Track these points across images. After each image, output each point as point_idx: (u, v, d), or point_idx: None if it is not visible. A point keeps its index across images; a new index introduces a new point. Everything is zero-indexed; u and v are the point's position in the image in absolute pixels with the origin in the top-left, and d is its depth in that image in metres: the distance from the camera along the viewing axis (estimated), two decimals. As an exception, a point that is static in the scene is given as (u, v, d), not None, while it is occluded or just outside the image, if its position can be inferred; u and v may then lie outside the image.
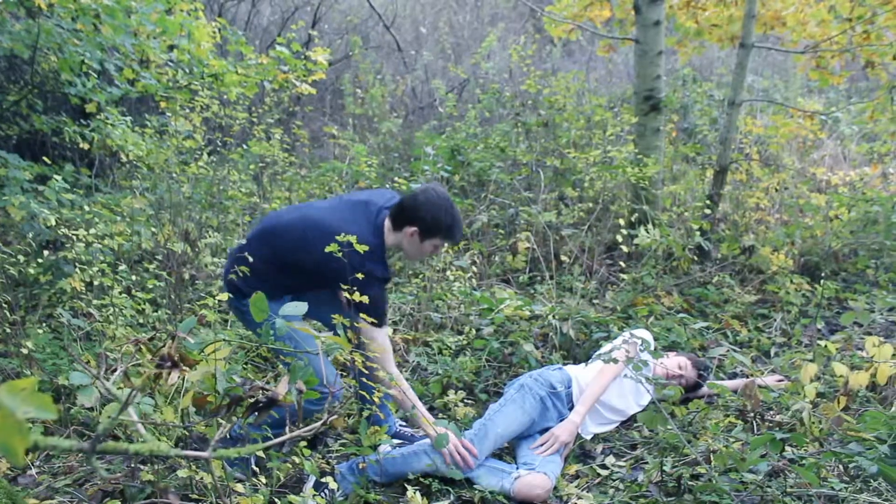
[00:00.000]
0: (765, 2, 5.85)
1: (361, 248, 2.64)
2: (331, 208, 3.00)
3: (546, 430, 3.20)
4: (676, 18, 6.25)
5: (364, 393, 2.86)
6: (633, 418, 3.46)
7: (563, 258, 5.04)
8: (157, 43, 4.19)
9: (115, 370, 1.55)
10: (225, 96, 5.19)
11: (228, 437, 2.77)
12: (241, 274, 2.80)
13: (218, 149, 6.13)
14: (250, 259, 2.79)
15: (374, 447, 2.80)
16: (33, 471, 2.94)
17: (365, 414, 2.91)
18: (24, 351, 3.26)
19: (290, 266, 2.88)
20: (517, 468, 2.99)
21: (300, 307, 2.01)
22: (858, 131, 7.61)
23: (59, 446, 0.83)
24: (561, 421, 3.22)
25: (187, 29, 4.14)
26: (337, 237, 2.62)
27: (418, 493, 2.73)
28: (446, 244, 3.01)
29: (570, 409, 3.29)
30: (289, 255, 2.87)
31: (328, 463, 3.04)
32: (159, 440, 2.63)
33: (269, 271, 2.88)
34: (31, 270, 3.70)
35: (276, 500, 2.60)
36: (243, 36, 4.71)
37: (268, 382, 3.63)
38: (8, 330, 3.46)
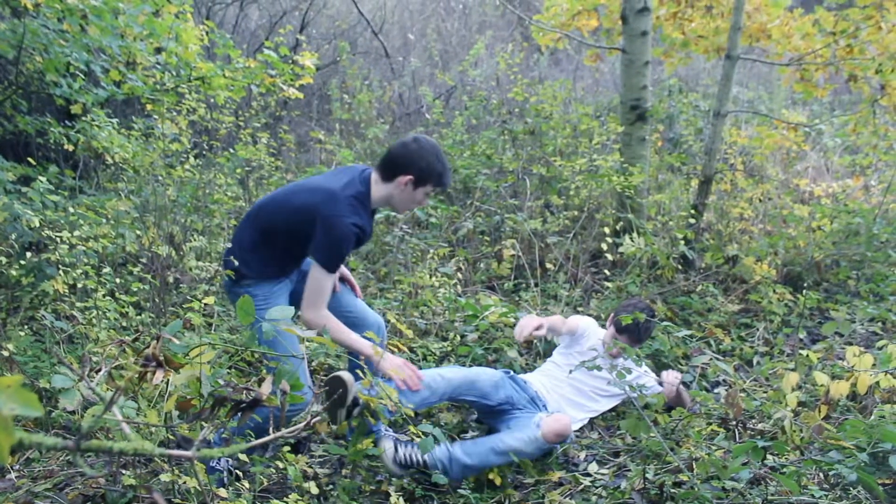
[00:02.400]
0: (750, 14, 5.90)
1: (344, 196, 2.76)
2: (316, 175, 3.14)
3: (504, 403, 3.29)
4: (663, 29, 6.30)
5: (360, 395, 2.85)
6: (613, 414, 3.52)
7: (549, 266, 5.05)
8: (144, 45, 4.18)
9: (98, 370, 1.54)
10: (212, 100, 5.17)
11: (211, 442, 2.76)
12: (241, 255, 2.88)
13: (204, 152, 6.10)
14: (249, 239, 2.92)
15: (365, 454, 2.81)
16: (12, 474, 2.91)
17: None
18: (5, 353, 3.22)
19: (284, 232, 2.90)
20: (537, 414, 3.19)
21: (287, 311, 2.00)
22: (841, 143, 7.68)
23: (43, 444, 0.82)
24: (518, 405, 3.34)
25: (175, 31, 4.12)
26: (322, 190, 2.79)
27: (401, 499, 2.73)
28: (435, 191, 3.01)
29: (532, 401, 3.39)
30: (281, 222, 2.90)
31: (311, 468, 3.03)
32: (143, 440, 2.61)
33: (268, 244, 2.91)
34: (14, 272, 3.66)
35: (259, 504, 2.59)
36: (231, 39, 4.70)
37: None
38: (-11, 331, 3.43)
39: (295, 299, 3.06)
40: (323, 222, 2.78)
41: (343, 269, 3.26)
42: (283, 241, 2.90)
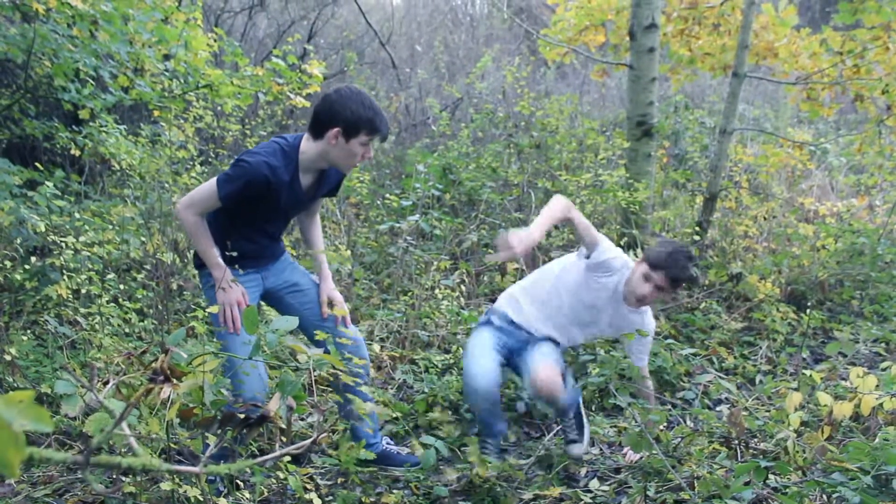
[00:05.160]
0: (758, 33, 5.92)
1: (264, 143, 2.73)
2: None
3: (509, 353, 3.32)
4: (670, 46, 6.32)
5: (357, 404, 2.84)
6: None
7: (552, 280, 5.04)
8: (152, 52, 4.19)
9: (107, 382, 1.54)
10: (219, 108, 5.19)
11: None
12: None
13: (210, 160, 6.12)
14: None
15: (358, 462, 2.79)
16: (12, 480, 2.90)
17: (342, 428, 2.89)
18: (8, 357, 3.23)
19: (228, 209, 2.83)
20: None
21: (291, 322, 1.99)
22: (846, 163, 7.69)
23: (53, 459, 0.82)
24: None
25: (184, 38, 4.14)
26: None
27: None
28: (374, 140, 2.80)
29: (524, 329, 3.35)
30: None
31: (312, 479, 3.02)
32: (148, 453, 2.61)
33: (210, 222, 2.86)
34: (18, 276, 3.67)
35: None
36: (239, 47, 4.72)
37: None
38: (-8, 335, 3.43)
39: (283, 310, 3.04)
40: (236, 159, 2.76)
41: (333, 291, 3.14)
42: (218, 214, 2.84)
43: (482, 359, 3.19)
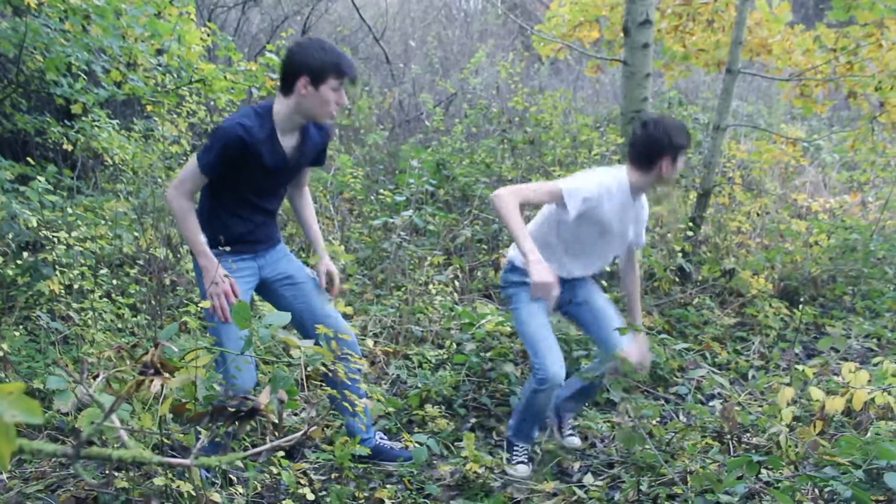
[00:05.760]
0: (751, 29, 5.92)
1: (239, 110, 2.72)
2: None
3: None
4: (664, 42, 6.32)
5: (346, 404, 2.84)
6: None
7: (546, 275, 5.04)
8: (145, 46, 4.18)
9: (96, 376, 1.54)
10: (212, 102, 5.17)
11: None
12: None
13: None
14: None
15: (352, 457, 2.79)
16: (4, 475, 2.89)
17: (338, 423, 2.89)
18: (0, 353, 3.21)
19: (215, 185, 2.86)
20: None
21: (283, 317, 1.99)
22: (839, 159, 7.71)
23: (43, 451, 0.82)
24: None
25: (177, 33, 4.12)
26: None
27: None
28: (345, 84, 2.77)
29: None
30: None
31: (306, 474, 3.02)
32: (140, 448, 2.60)
33: (214, 208, 2.88)
34: (10, 271, 3.65)
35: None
36: (233, 42, 4.70)
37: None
38: (-16, 330, 3.42)
39: (276, 304, 3.04)
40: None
41: (330, 264, 3.15)
42: (208, 195, 2.86)
43: (556, 349, 3.08)
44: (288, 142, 2.85)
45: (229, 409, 1.43)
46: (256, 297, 3.18)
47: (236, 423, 1.41)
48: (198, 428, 2.00)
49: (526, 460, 3.24)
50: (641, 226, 3.36)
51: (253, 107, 2.82)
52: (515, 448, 3.25)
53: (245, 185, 2.84)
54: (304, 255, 4.99)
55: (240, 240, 2.87)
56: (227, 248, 2.80)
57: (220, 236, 2.80)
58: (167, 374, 1.53)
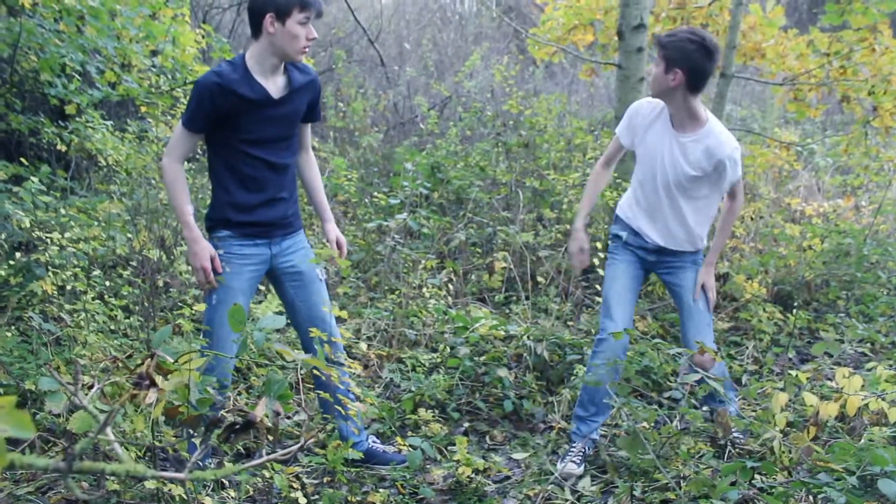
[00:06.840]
0: (745, 33, 5.94)
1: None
2: None
3: None
4: (659, 46, 6.32)
5: (339, 408, 2.83)
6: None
7: (540, 279, 5.05)
8: (140, 47, 4.17)
9: (91, 387, 1.53)
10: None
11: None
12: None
13: (197, 156, 6.08)
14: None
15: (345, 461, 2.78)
16: (-5, 477, 2.88)
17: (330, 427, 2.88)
18: (-9, 354, 3.20)
19: (214, 148, 2.90)
20: None
21: (278, 321, 1.98)
22: (833, 164, 7.73)
23: (35, 465, 0.81)
24: None
25: (172, 34, 4.12)
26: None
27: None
28: (310, 16, 2.77)
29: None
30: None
31: (298, 478, 3.01)
32: (132, 453, 2.59)
33: (221, 174, 2.90)
34: (2, 272, 3.63)
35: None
36: (227, 43, 4.69)
37: (239, 394, 3.59)
38: (-25, 332, 3.39)
39: (279, 295, 3.06)
40: None
41: (337, 230, 3.19)
42: (213, 162, 2.91)
43: (616, 307, 3.30)
44: (272, 84, 2.86)
45: (224, 422, 1.43)
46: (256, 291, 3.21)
47: (232, 435, 1.41)
48: (192, 434, 1.99)
49: (578, 461, 3.18)
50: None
51: (238, 62, 2.84)
52: (572, 445, 3.23)
53: (239, 133, 2.83)
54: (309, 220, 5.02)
55: (254, 219, 2.88)
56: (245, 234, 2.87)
57: (232, 216, 2.84)
58: (162, 378, 1.52)
